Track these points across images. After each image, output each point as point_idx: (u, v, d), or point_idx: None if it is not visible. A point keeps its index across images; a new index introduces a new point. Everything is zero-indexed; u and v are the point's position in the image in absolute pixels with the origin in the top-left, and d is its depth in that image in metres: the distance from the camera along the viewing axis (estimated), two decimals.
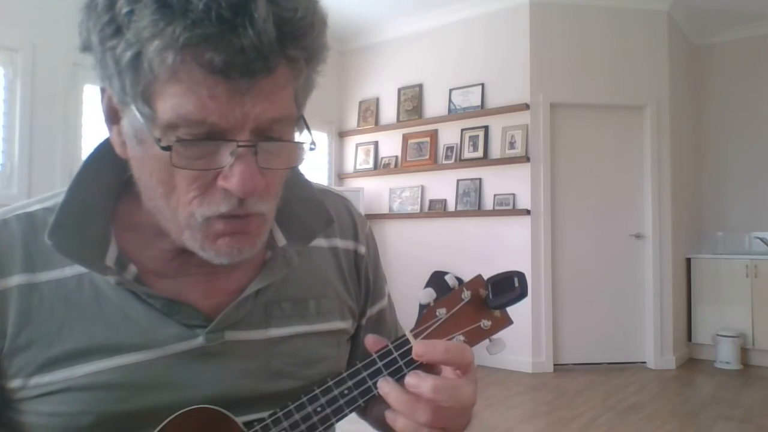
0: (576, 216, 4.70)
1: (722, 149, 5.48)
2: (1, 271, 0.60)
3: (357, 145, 5.63)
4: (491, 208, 4.75)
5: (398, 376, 0.60)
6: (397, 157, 5.35)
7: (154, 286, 0.62)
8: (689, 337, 5.10)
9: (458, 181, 4.95)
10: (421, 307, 0.65)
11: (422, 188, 5.17)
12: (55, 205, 0.61)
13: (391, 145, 5.42)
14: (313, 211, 0.71)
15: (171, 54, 0.48)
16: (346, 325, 0.75)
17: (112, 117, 0.58)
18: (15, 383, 0.59)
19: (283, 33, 0.50)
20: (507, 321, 0.65)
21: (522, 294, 0.62)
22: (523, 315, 4.46)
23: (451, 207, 4.98)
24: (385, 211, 5.35)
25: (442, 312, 0.63)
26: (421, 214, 5.11)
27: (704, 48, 5.59)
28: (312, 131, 0.59)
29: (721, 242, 5.45)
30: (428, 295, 0.63)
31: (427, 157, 5.13)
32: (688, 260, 5.13)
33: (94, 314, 0.60)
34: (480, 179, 4.84)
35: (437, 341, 0.60)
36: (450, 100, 5.04)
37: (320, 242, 0.75)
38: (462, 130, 4.96)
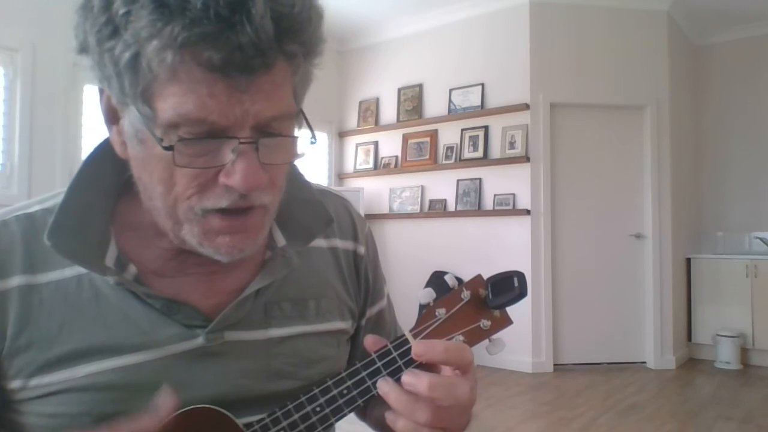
0: (576, 216, 4.69)
1: (722, 149, 5.48)
2: (1, 272, 0.60)
3: (357, 145, 5.63)
4: (491, 208, 4.75)
5: (397, 376, 0.60)
6: (397, 157, 5.35)
7: (154, 286, 0.62)
8: (689, 337, 5.10)
9: (458, 181, 4.95)
10: (421, 307, 0.65)
11: (422, 188, 5.17)
12: (55, 205, 0.61)
13: (391, 145, 5.42)
14: (312, 212, 0.71)
15: (170, 54, 0.48)
16: (345, 325, 0.75)
17: (112, 117, 0.58)
18: (15, 384, 0.59)
19: (280, 29, 0.50)
20: (507, 321, 0.65)
21: (521, 294, 0.62)
22: (523, 315, 4.45)
23: (451, 207, 4.98)
24: (385, 211, 5.35)
25: (441, 312, 0.63)
26: (421, 214, 5.11)
27: (704, 48, 5.59)
28: (312, 125, 0.59)
29: (721, 242, 5.45)
30: (428, 295, 0.63)
31: (427, 157, 5.13)
32: (688, 260, 5.13)
33: (94, 315, 0.60)
34: (480, 179, 4.84)
35: (436, 341, 0.60)
36: (450, 100, 5.04)
37: (320, 242, 0.75)
38: (462, 130, 4.96)
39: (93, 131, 3.84)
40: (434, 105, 5.16)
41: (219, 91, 0.50)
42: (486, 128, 4.84)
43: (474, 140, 4.88)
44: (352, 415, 0.79)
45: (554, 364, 4.57)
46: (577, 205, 4.70)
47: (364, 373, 0.61)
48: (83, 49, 0.53)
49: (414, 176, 5.20)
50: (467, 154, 4.91)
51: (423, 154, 5.16)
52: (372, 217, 5.32)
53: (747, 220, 5.33)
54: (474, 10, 4.92)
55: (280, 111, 0.54)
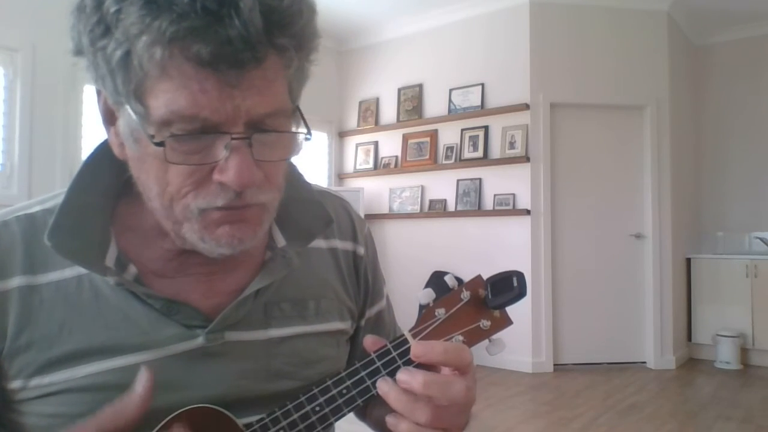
0: (576, 216, 4.70)
1: (722, 149, 5.48)
2: (1, 273, 0.60)
3: (357, 145, 5.63)
4: (491, 208, 4.75)
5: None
6: (397, 157, 5.35)
7: (154, 286, 0.62)
8: (689, 337, 5.10)
9: (458, 181, 4.95)
10: (421, 307, 0.65)
11: (422, 188, 5.17)
12: (55, 206, 0.61)
13: (391, 145, 5.42)
14: (312, 212, 0.71)
15: (159, 49, 0.48)
16: (345, 325, 0.75)
17: (109, 118, 0.58)
18: (15, 384, 0.59)
19: (270, 22, 0.50)
20: (506, 321, 0.65)
21: (521, 294, 0.62)
22: (523, 315, 4.46)
23: (451, 207, 4.98)
24: (385, 211, 5.35)
25: (441, 312, 0.63)
26: (421, 214, 5.11)
27: (704, 48, 5.59)
28: (309, 123, 0.59)
29: (721, 242, 5.45)
30: (427, 296, 0.63)
31: (427, 157, 5.13)
32: (688, 260, 5.14)
33: (94, 315, 0.60)
34: (480, 179, 4.84)
35: (436, 342, 0.59)
36: (450, 100, 5.04)
37: (319, 243, 0.75)
38: (462, 130, 4.96)
39: (93, 131, 3.85)
40: (434, 105, 5.16)
41: (210, 86, 0.50)
42: (486, 128, 4.84)
43: (474, 140, 4.89)
44: (351, 416, 0.79)
45: (554, 364, 4.57)
46: (577, 205, 4.70)
47: (363, 373, 0.61)
48: (79, 51, 0.54)
49: (414, 176, 5.20)
50: (467, 154, 4.91)
51: (423, 154, 5.16)
52: (372, 217, 5.32)
53: (747, 220, 5.33)
54: (474, 10, 4.92)
55: (273, 107, 0.53)
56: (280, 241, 0.69)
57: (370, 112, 5.56)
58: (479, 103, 4.87)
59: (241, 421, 0.60)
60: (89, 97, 3.85)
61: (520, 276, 0.62)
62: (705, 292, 5.05)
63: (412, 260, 5.08)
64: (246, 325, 0.65)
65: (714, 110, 5.54)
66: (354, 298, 0.78)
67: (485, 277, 0.65)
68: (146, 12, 0.47)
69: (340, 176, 5.72)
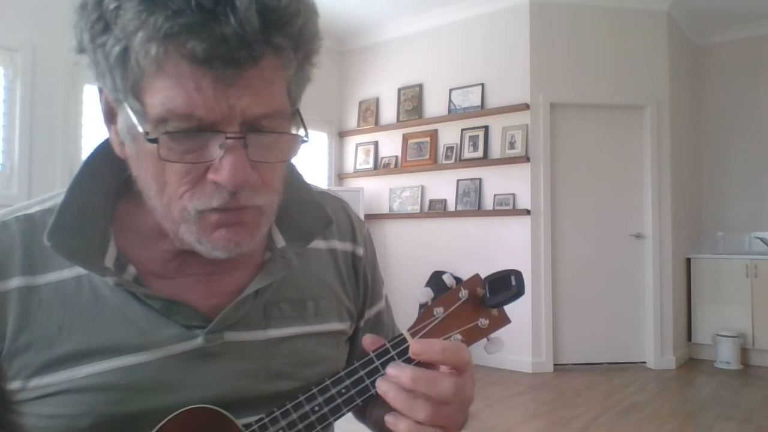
0: (576, 216, 4.70)
1: (722, 149, 5.48)
2: (0, 274, 0.60)
3: (357, 145, 5.63)
4: (491, 208, 4.75)
5: None
6: (397, 157, 5.35)
7: (153, 286, 0.63)
8: (689, 337, 5.10)
9: (458, 181, 4.95)
10: (420, 306, 0.65)
11: (422, 188, 5.17)
12: (55, 206, 0.61)
13: (391, 145, 5.42)
14: (311, 213, 0.71)
15: (154, 45, 0.48)
16: (344, 326, 0.75)
17: (110, 116, 0.58)
18: (14, 385, 0.59)
19: (267, 21, 0.49)
20: (505, 320, 0.65)
21: (519, 292, 0.62)
22: (523, 315, 4.46)
23: (451, 207, 4.98)
24: (385, 211, 5.35)
25: (439, 311, 0.63)
26: (421, 214, 5.11)
27: (704, 48, 5.59)
28: (311, 130, 0.59)
29: (721, 242, 5.45)
30: (426, 295, 0.63)
31: (427, 157, 5.13)
32: (688, 260, 5.13)
33: (93, 316, 0.60)
34: (480, 179, 4.84)
35: (434, 340, 0.60)
36: (450, 100, 5.04)
37: (318, 244, 0.75)
38: (462, 130, 4.96)
39: (93, 131, 3.85)
40: (434, 105, 5.16)
41: (206, 84, 0.50)
42: (486, 128, 4.84)
43: (474, 140, 4.89)
44: (351, 416, 0.79)
45: (554, 364, 4.57)
46: (577, 205, 4.70)
47: (362, 372, 0.61)
48: (81, 49, 0.54)
49: (414, 176, 5.20)
50: (467, 154, 4.91)
51: (423, 154, 5.16)
52: (372, 217, 5.32)
53: (747, 220, 5.33)
54: (474, 10, 4.92)
55: (270, 108, 0.53)
56: (280, 241, 0.69)
57: (370, 112, 5.56)
58: (479, 103, 4.87)
59: (240, 422, 0.60)
60: (89, 97, 3.85)
61: (518, 275, 0.63)
62: (705, 292, 5.05)
63: (412, 260, 5.08)
64: (245, 326, 0.65)
65: (714, 110, 5.54)
66: (353, 299, 0.78)
67: (483, 276, 0.65)
68: (143, 8, 0.48)
69: (340, 176, 5.72)
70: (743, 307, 4.83)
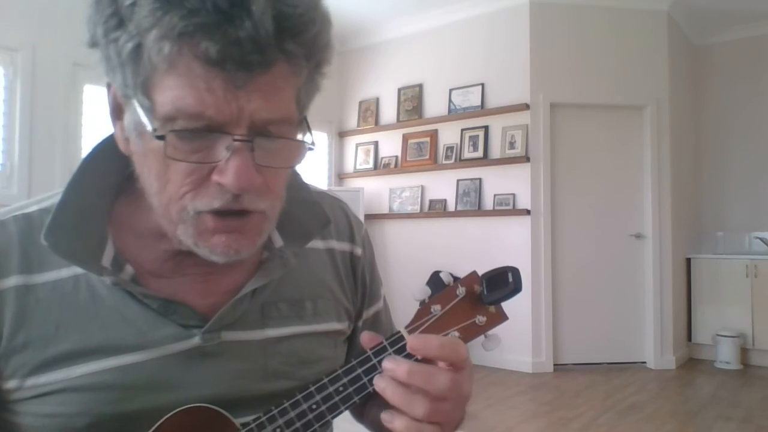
0: (576, 216, 4.69)
1: (722, 149, 5.48)
2: None
3: (357, 145, 5.63)
4: (491, 208, 4.75)
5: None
6: (397, 157, 5.35)
7: (151, 286, 0.62)
8: (689, 337, 5.10)
9: (458, 181, 4.95)
10: (420, 304, 0.65)
11: (422, 188, 5.17)
12: (52, 205, 0.61)
13: (391, 145, 5.42)
14: (310, 213, 0.71)
15: (167, 44, 0.48)
16: (342, 326, 0.75)
17: (117, 112, 0.58)
18: (11, 384, 0.59)
19: (281, 28, 0.50)
20: (502, 317, 0.65)
21: (516, 289, 0.62)
22: (523, 315, 4.46)
23: (451, 207, 4.98)
24: (385, 211, 5.35)
25: (436, 308, 0.63)
26: (421, 214, 5.11)
27: (704, 48, 5.59)
28: (313, 132, 0.59)
29: (721, 242, 5.45)
30: (423, 292, 0.63)
31: (427, 157, 5.13)
32: (688, 260, 5.13)
33: (91, 315, 0.60)
34: (480, 179, 4.84)
35: (432, 336, 0.59)
36: (450, 100, 5.04)
37: (317, 244, 0.75)
38: (462, 130, 4.96)
39: (93, 131, 3.85)
40: (434, 105, 5.16)
41: (216, 86, 0.50)
42: (486, 128, 4.84)
43: (474, 140, 4.89)
44: (351, 417, 0.79)
45: (554, 364, 4.57)
46: (577, 204, 4.70)
47: (359, 370, 0.61)
48: (93, 43, 0.54)
49: (414, 176, 5.20)
50: (467, 154, 4.91)
51: (423, 154, 5.16)
52: (372, 217, 5.32)
53: (747, 220, 5.33)
54: (474, 10, 4.92)
55: (279, 114, 0.53)
56: (278, 241, 0.69)
57: (370, 112, 5.56)
58: (479, 103, 4.87)
59: (238, 421, 0.60)
60: (89, 97, 3.85)
61: (515, 271, 0.63)
62: (705, 292, 5.04)
63: (412, 260, 5.08)
64: (243, 325, 0.65)
65: (714, 110, 5.54)
66: (351, 299, 0.78)
67: (480, 273, 0.65)
68: (158, 6, 0.48)
69: (340, 176, 5.72)
70: (743, 307, 4.83)
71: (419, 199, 5.16)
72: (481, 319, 0.64)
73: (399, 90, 5.37)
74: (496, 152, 4.77)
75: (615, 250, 4.75)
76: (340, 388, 0.60)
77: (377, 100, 5.54)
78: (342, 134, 5.74)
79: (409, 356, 0.60)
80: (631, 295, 4.76)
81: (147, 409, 0.58)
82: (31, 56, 3.58)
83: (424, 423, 0.57)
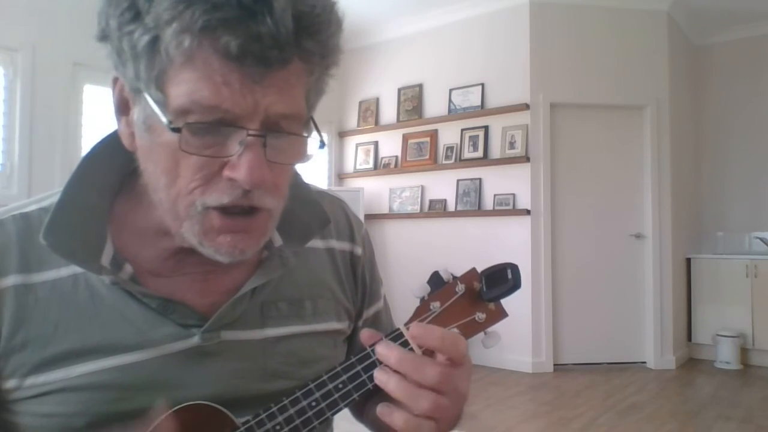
0: (576, 216, 4.69)
1: (722, 149, 5.48)
2: None
3: (357, 145, 5.63)
4: (491, 208, 4.75)
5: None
6: (397, 157, 5.35)
7: (150, 285, 0.62)
8: (689, 337, 5.10)
9: (458, 181, 4.95)
10: (420, 302, 0.65)
11: (422, 188, 5.17)
12: (51, 204, 0.61)
13: (391, 145, 5.42)
14: (309, 212, 0.71)
15: (188, 37, 0.49)
16: (342, 325, 0.75)
17: (122, 108, 0.58)
18: (10, 384, 0.59)
19: (300, 26, 0.51)
20: (502, 314, 0.65)
21: (515, 285, 0.62)
22: (523, 315, 4.46)
23: (451, 207, 4.98)
24: (385, 211, 5.35)
25: (436, 305, 0.63)
26: (421, 214, 5.11)
27: (704, 48, 5.59)
28: (320, 132, 0.60)
29: (721, 242, 5.44)
30: (423, 290, 0.63)
31: (427, 157, 5.13)
32: (688, 260, 5.13)
33: (90, 314, 0.60)
34: (480, 179, 4.84)
35: (434, 327, 0.59)
36: (450, 100, 5.04)
37: (316, 243, 0.75)
38: (462, 130, 4.96)
39: (93, 131, 3.84)
40: (434, 105, 5.16)
41: (233, 79, 0.50)
42: (486, 128, 4.84)
43: (474, 140, 4.89)
44: (351, 416, 0.79)
45: (554, 364, 4.57)
46: (577, 204, 4.70)
47: (359, 367, 0.60)
48: (103, 36, 0.54)
49: (414, 176, 5.20)
50: (467, 154, 4.91)
51: (423, 154, 5.16)
52: (372, 217, 5.32)
53: (747, 220, 5.33)
54: (474, 10, 4.92)
55: (291, 110, 0.54)
56: (277, 240, 0.69)
57: (370, 112, 5.56)
58: (479, 103, 4.87)
59: (238, 420, 0.60)
60: (89, 97, 3.85)
61: (514, 268, 0.63)
62: (705, 292, 5.04)
63: (412, 260, 5.08)
64: (242, 325, 0.65)
65: (714, 110, 5.54)
66: (351, 299, 0.78)
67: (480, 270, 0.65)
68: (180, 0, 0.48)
69: (340, 176, 5.72)
70: (743, 307, 4.83)
71: (419, 199, 5.16)
72: (480, 316, 0.63)
73: (399, 90, 5.37)
74: (496, 152, 4.77)
75: (615, 250, 4.75)
76: (340, 385, 0.60)
77: (377, 100, 5.54)
78: (342, 134, 5.73)
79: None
80: (631, 295, 4.76)
81: (146, 409, 0.58)
82: (31, 56, 3.58)
83: (422, 418, 0.56)
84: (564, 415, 3.47)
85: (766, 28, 5.24)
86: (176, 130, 0.51)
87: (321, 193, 0.78)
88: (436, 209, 5.05)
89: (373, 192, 5.43)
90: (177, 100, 0.51)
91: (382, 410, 0.57)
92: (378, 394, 0.63)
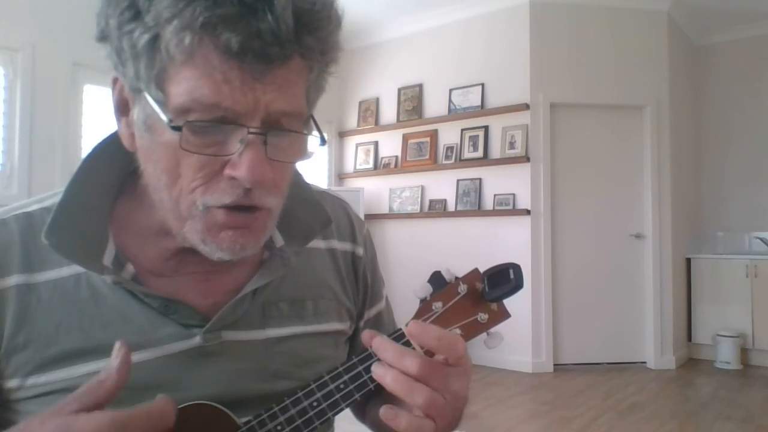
0: (576, 216, 4.69)
1: (722, 149, 5.48)
2: None
3: (357, 145, 5.63)
4: (491, 208, 4.75)
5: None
6: (397, 157, 5.35)
7: (151, 285, 0.62)
8: (689, 337, 5.10)
9: (458, 181, 4.95)
10: (420, 302, 0.65)
11: (422, 188, 5.17)
12: (53, 204, 0.61)
13: (391, 145, 5.42)
14: (311, 212, 0.71)
15: (189, 35, 0.49)
16: (343, 326, 0.75)
17: (122, 108, 0.58)
18: (12, 383, 0.59)
19: (300, 23, 0.51)
20: (504, 314, 0.65)
21: (518, 285, 0.61)
22: (523, 315, 4.46)
23: (451, 207, 4.98)
24: (385, 211, 5.35)
25: (438, 306, 0.63)
26: (421, 214, 5.11)
27: (704, 48, 5.59)
28: (321, 130, 0.60)
29: (721, 242, 5.44)
30: (425, 290, 0.63)
31: (427, 157, 5.13)
32: (688, 260, 5.13)
33: (91, 314, 0.60)
34: (480, 179, 4.84)
35: (433, 326, 0.59)
36: (450, 100, 5.04)
37: (318, 243, 0.75)
38: (462, 130, 4.96)
39: (93, 131, 3.84)
40: (434, 105, 5.16)
41: (234, 77, 0.50)
42: (486, 128, 4.84)
43: (474, 140, 4.89)
44: (352, 416, 0.79)
45: (554, 364, 4.57)
46: (577, 205, 4.70)
47: (360, 368, 0.60)
48: (103, 36, 0.54)
49: (414, 176, 5.20)
50: (467, 154, 4.91)
51: (423, 154, 5.16)
52: (372, 217, 5.32)
53: (747, 220, 5.33)
54: (474, 10, 4.92)
55: (291, 107, 0.54)
56: (279, 240, 0.69)
57: (370, 112, 5.56)
58: (479, 103, 4.87)
59: (239, 420, 0.60)
60: (89, 97, 3.85)
61: (516, 268, 0.62)
62: (705, 292, 5.04)
63: (412, 260, 5.08)
64: (243, 325, 0.65)
65: (714, 110, 5.54)
66: (353, 299, 0.78)
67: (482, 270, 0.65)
68: None
69: (340, 176, 5.72)
70: (743, 307, 4.83)
71: (419, 199, 5.16)
72: (483, 316, 0.63)
73: (399, 90, 5.37)
74: (496, 152, 4.77)
75: (615, 250, 4.75)
76: (341, 386, 0.60)
77: (377, 100, 5.54)
78: (342, 134, 5.73)
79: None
80: (631, 295, 4.76)
81: None
82: (31, 56, 3.57)
83: (423, 418, 0.56)
84: (564, 415, 3.47)
85: (766, 28, 5.24)
86: (177, 128, 0.51)
87: (322, 194, 0.78)
88: (436, 209, 5.05)
89: (373, 192, 5.43)
90: (177, 99, 0.51)
91: (386, 412, 0.56)
92: (379, 395, 0.63)
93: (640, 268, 4.78)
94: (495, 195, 4.74)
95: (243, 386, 0.64)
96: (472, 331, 0.63)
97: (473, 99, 4.91)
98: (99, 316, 0.60)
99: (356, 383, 0.60)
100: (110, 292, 0.61)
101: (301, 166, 0.72)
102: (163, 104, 0.52)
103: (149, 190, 0.59)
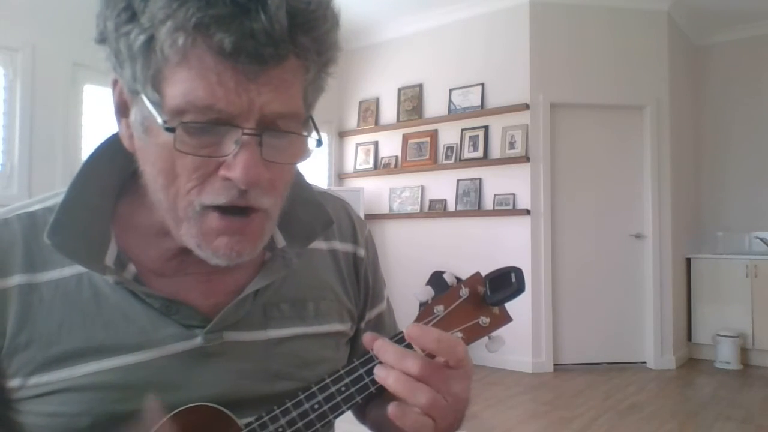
0: (576, 216, 4.69)
1: (722, 149, 5.48)
2: (1, 271, 0.60)
3: (357, 145, 5.63)
4: (491, 208, 4.75)
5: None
6: (397, 157, 5.35)
7: (153, 285, 0.62)
8: (689, 337, 5.10)
9: (458, 181, 4.95)
10: (421, 305, 0.65)
11: (422, 188, 5.17)
12: (56, 204, 0.61)
13: (391, 145, 5.41)
14: (312, 213, 0.71)
15: (182, 35, 0.49)
16: (344, 327, 0.75)
17: (122, 110, 0.59)
18: (14, 383, 0.59)
19: (294, 23, 0.50)
20: (506, 318, 0.65)
21: (519, 289, 0.62)
22: (523, 315, 4.45)
23: (451, 207, 4.98)
24: (385, 211, 5.35)
25: (439, 309, 0.63)
26: (421, 214, 5.11)
27: (704, 48, 5.58)
28: (319, 131, 0.59)
29: (721, 242, 5.44)
30: (426, 293, 0.63)
31: (427, 157, 5.13)
32: (688, 260, 5.13)
33: (93, 314, 0.60)
34: (480, 179, 4.83)
35: (432, 328, 0.59)
36: (450, 100, 5.04)
37: (319, 244, 0.75)
38: (462, 130, 4.96)
39: (93, 131, 3.84)
40: (434, 105, 5.16)
41: (228, 78, 0.50)
42: (486, 128, 4.84)
43: (474, 140, 4.88)
44: (353, 417, 0.79)
45: (554, 364, 4.57)
46: (577, 205, 4.70)
47: (362, 371, 0.60)
48: (102, 38, 0.54)
49: (414, 176, 5.20)
50: (467, 154, 4.91)
51: (423, 154, 5.16)
52: (372, 217, 5.32)
53: (747, 220, 5.33)
54: (474, 10, 4.92)
55: (287, 109, 0.54)
56: (280, 241, 0.69)
57: (370, 112, 5.56)
58: (479, 103, 4.87)
59: (240, 422, 0.60)
60: (89, 97, 3.85)
61: (518, 271, 0.62)
62: (705, 292, 5.04)
63: (412, 260, 5.08)
64: (245, 326, 0.65)
65: (714, 110, 5.53)
66: (354, 300, 0.78)
67: (483, 273, 0.65)
68: None
69: (340, 176, 5.72)
70: (743, 307, 4.83)
71: (419, 199, 5.16)
72: (484, 320, 0.63)
73: (399, 90, 5.37)
74: (496, 152, 4.77)
75: (615, 250, 4.75)
76: (343, 388, 0.60)
77: (377, 100, 5.54)
78: (342, 134, 5.73)
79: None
80: (631, 295, 4.76)
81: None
82: (31, 56, 3.57)
83: (426, 417, 0.56)
84: (564, 415, 3.47)
85: (766, 28, 5.24)
86: (171, 130, 0.51)
87: (324, 194, 0.78)
88: (436, 209, 5.05)
89: (373, 192, 5.43)
90: (173, 101, 0.51)
91: (393, 410, 0.56)
92: (381, 397, 0.63)
93: (640, 268, 4.78)
94: (495, 195, 4.74)
95: (244, 387, 0.64)
96: (473, 334, 0.63)
97: (473, 99, 4.91)
98: (101, 316, 0.60)
99: (358, 386, 0.60)
100: (112, 292, 0.61)
101: (301, 167, 0.72)
102: (159, 106, 0.52)
103: (148, 190, 0.59)
